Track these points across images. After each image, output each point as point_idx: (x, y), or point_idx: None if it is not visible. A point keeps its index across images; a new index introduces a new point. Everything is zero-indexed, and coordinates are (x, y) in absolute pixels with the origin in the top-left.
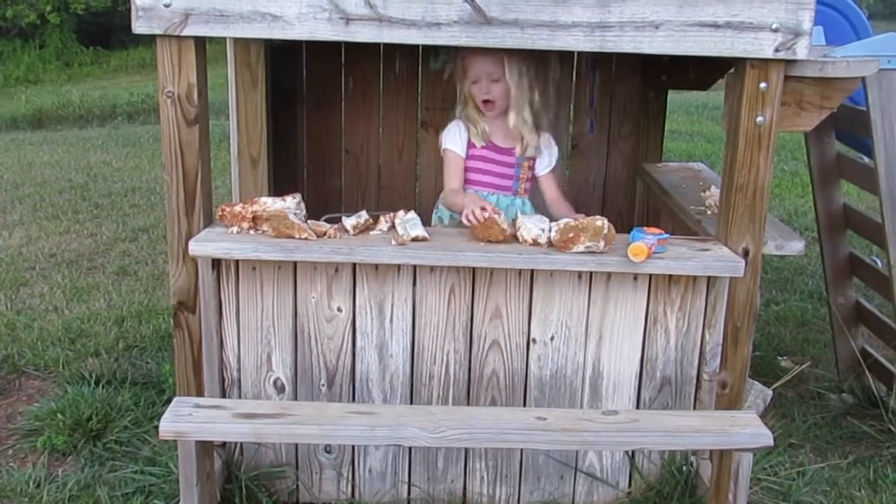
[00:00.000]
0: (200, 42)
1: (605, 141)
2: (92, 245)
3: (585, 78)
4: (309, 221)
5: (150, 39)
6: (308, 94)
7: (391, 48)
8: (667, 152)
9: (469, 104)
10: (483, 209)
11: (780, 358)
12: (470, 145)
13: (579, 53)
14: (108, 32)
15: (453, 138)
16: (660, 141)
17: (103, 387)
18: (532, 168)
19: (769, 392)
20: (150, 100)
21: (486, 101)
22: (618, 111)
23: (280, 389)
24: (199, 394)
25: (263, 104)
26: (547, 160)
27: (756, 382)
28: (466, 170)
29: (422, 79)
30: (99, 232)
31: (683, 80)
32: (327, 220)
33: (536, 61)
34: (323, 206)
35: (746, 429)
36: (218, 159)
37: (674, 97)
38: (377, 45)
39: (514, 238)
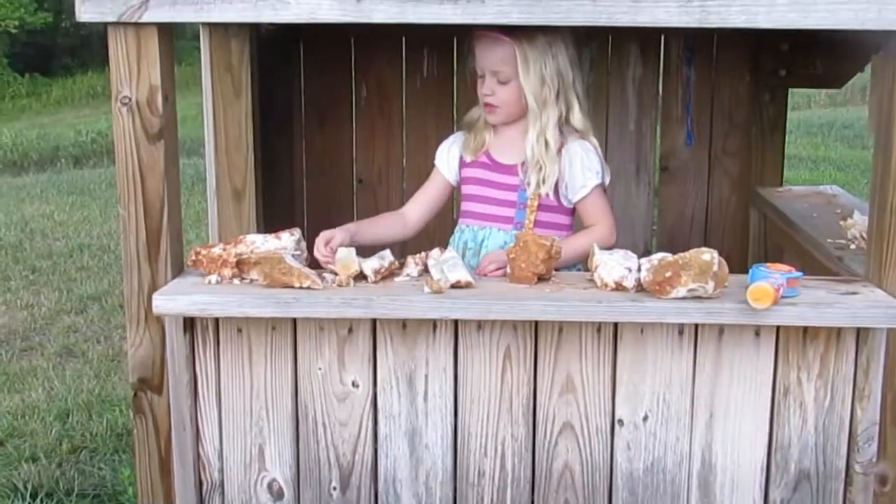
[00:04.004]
0: (165, 31)
1: (705, 159)
2: (27, 319)
3: (678, 74)
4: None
5: (101, 62)
6: (308, 106)
7: (417, 41)
8: (784, 182)
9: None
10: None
11: None
12: (461, 161)
13: (669, 42)
14: (49, 56)
15: (441, 149)
16: (779, 157)
17: (42, 500)
18: (551, 194)
19: None
20: (103, 138)
21: (487, 105)
22: (721, 119)
23: (277, 495)
24: None
25: (249, 120)
26: (581, 179)
27: None
28: (462, 196)
29: (457, 81)
30: (37, 302)
31: (808, 76)
32: None
33: (573, 62)
34: None
35: None
36: (190, 206)
37: (790, 115)
38: (398, 36)
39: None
